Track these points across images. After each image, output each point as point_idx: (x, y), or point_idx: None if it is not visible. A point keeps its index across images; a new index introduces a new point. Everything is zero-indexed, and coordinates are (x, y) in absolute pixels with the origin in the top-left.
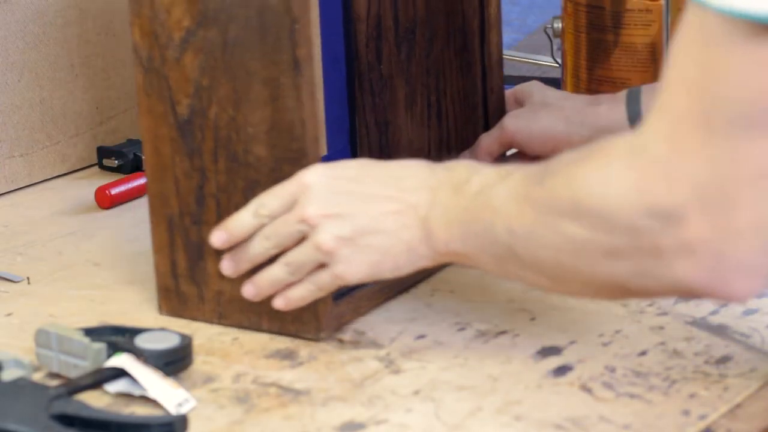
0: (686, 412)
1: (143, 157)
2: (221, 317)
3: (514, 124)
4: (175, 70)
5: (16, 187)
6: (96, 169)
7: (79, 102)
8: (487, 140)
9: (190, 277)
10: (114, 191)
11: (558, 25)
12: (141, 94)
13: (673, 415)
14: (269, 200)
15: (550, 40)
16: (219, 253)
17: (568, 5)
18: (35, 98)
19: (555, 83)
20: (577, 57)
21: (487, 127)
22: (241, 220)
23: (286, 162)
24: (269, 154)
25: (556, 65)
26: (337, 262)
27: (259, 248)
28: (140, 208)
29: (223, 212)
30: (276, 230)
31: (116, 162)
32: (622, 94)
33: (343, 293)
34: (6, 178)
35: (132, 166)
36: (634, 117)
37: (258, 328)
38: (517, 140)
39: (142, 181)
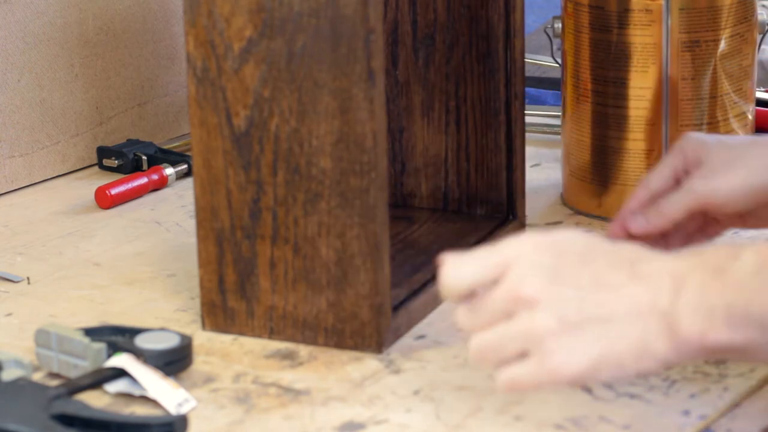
0: (686, 412)
1: (193, 170)
2: (272, 333)
3: (709, 186)
4: (233, 81)
5: (16, 187)
6: (96, 169)
7: (79, 102)
8: (674, 207)
9: (240, 293)
10: (114, 191)
11: (558, 25)
12: (193, 106)
13: (673, 415)
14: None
15: (550, 40)
16: (271, 268)
17: (569, 5)
18: (35, 98)
19: (555, 83)
20: (577, 57)
21: (510, 133)
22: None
23: (353, 174)
24: (334, 166)
25: (556, 65)
26: (552, 352)
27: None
28: (140, 208)
29: (280, 225)
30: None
31: (116, 162)
32: None
33: (397, 306)
34: (6, 178)
35: (132, 166)
36: None
37: (313, 344)
38: (712, 203)
39: (142, 181)
